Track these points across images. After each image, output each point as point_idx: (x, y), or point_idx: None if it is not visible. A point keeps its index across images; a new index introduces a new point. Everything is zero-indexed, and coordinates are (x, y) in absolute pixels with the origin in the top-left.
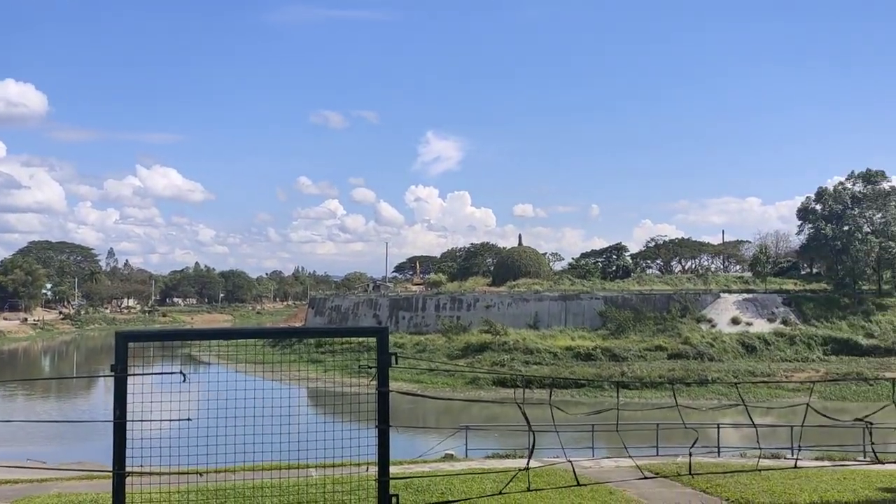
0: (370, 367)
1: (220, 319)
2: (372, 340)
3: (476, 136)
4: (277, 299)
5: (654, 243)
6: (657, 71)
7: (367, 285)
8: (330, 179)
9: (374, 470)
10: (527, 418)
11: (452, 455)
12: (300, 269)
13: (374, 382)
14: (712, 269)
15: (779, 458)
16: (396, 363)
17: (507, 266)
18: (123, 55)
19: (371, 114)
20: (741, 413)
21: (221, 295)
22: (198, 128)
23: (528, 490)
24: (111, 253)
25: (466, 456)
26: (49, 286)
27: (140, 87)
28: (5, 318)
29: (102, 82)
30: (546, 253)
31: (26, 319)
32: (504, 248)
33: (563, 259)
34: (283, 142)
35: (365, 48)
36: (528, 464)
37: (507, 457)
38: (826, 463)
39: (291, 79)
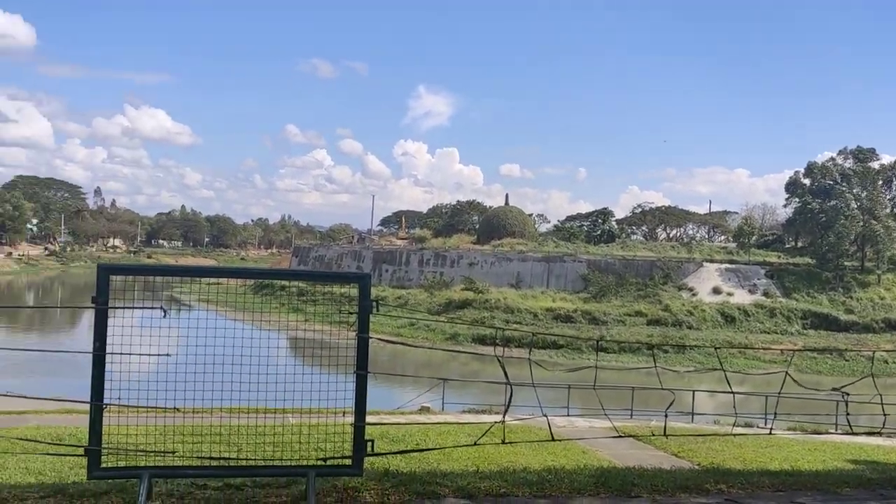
0: (351, 313)
1: (204, 262)
2: (353, 292)
3: (468, 93)
4: (262, 246)
5: (640, 210)
6: (652, 36)
7: (352, 237)
8: (317, 129)
9: (350, 417)
10: (505, 371)
11: (429, 408)
12: (286, 218)
13: (355, 329)
14: (697, 239)
15: (752, 427)
16: (378, 310)
17: (493, 225)
18: None
19: (361, 65)
20: (717, 381)
21: (207, 239)
22: (187, 70)
23: (503, 443)
24: (98, 192)
25: (443, 409)
26: (35, 222)
27: (131, 26)
28: None
29: (92, 17)
30: (532, 214)
31: (10, 254)
32: (490, 207)
33: (549, 221)
34: (272, 89)
35: None
36: (503, 417)
37: (484, 412)
38: (798, 434)
39: (282, 24)
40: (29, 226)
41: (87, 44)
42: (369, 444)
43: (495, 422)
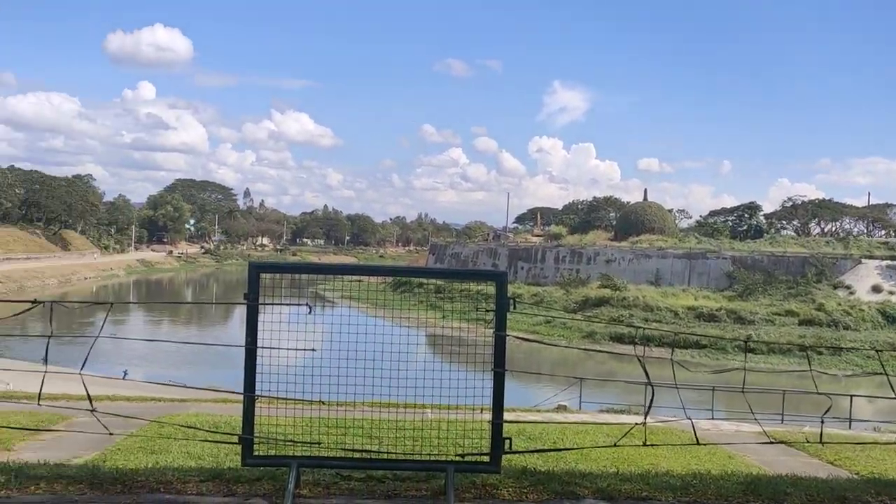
0: (488, 311)
1: (345, 260)
2: (490, 290)
3: (604, 86)
4: (400, 244)
5: (790, 203)
6: (800, 12)
7: (488, 234)
8: (453, 128)
9: (487, 414)
10: (646, 371)
11: (566, 407)
12: (423, 216)
13: (492, 327)
14: (854, 234)
15: None
16: (515, 308)
17: (631, 221)
18: (261, 2)
19: (495, 62)
20: (878, 386)
21: (347, 237)
22: (328, 75)
23: (644, 445)
24: (247, 193)
25: (580, 409)
26: (192, 222)
27: (276, 35)
28: (154, 251)
29: (242, 29)
30: (672, 209)
31: (171, 252)
32: (628, 203)
33: (690, 216)
34: (408, 90)
35: None
36: (645, 418)
37: (622, 412)
38: None
39: (417, 25)
40: (187, 226)
41: (238, 54)
42: (507, 441)
43: (636, 423)
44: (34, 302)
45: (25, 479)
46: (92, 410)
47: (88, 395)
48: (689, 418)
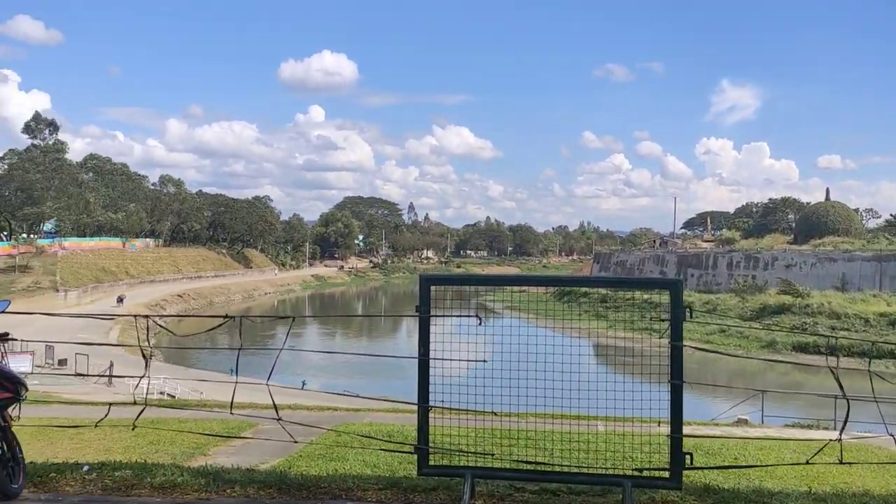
0: (662, 320)
1: (508, 271)
2: (658, 298)
3: (777, 82)
4: (563, 254)
5: None
6: None
7: (654, 241)
8: (614, 134)
9: (662, 427)
10: (840, 384)
11: (746, 420)
12: (585, 225)
13: (666, 337)
14: None
15: None
16: (692, 317)
17: (812, 222)
18: (419, 22)
19: (657, 64)
20: None
21: (509, 248)
22: (486, 88)
23: (840, 463)
24: (411, 207)
25: (762, 423)
26: (361, 237)
27: (433, 52)
28: (326, 266)
29: (401, 48)
30: (858, 209)
31: (342, 267)
32: (808, 204)
33: (879, 216)
34: (567, 98)
35: None
36: (840, 434)
37: (810, 427)
38: None
39: (572, 34)
40: (356, 241)
41: (399, 73)
42: (688, 456)
43: (830, 439)
44: (226, 317)
45: (222, 483)
46: (278, 419)
47: (275, 405)
48: (892, 434)
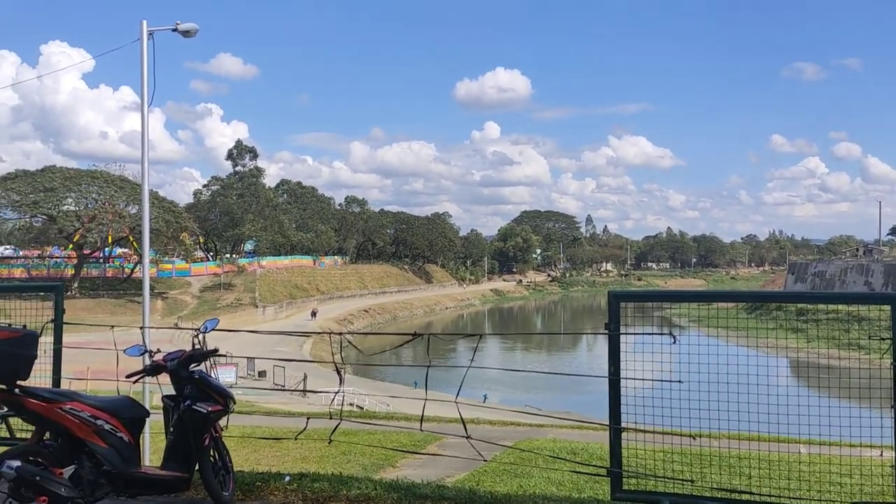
0: (882, 339)
1: (693, 284)
2: (867, 310)
3: None
4: (752, 264)
5: None
6: None
7: (857, 249)
8: (807, 136)
9: (888, 454)
10: None
11: None
12: (776, 233)
13: (887, 356)
14: None
15: None
16: None
17: None
18: (589, 34)
19: (854, 61)
20: None
21: (693, 259)
22: (664, 95)
23: None
24: (589, 220)
25: None
26: (539, 251)
27: (607, 63)
28: (504, 280)
29: (574, 61)
30: None
31: (520, 281)
32: None
33: None
34: (753, 101)
35: None
36: None
37: None
38: None
39: (757, 33)
40: (534, 255)
41: (572, 86)
42: None
43: None
44: (414, 335)
45: (413, 498)
46: (467, 437)
47: (464, 422)
48: None
